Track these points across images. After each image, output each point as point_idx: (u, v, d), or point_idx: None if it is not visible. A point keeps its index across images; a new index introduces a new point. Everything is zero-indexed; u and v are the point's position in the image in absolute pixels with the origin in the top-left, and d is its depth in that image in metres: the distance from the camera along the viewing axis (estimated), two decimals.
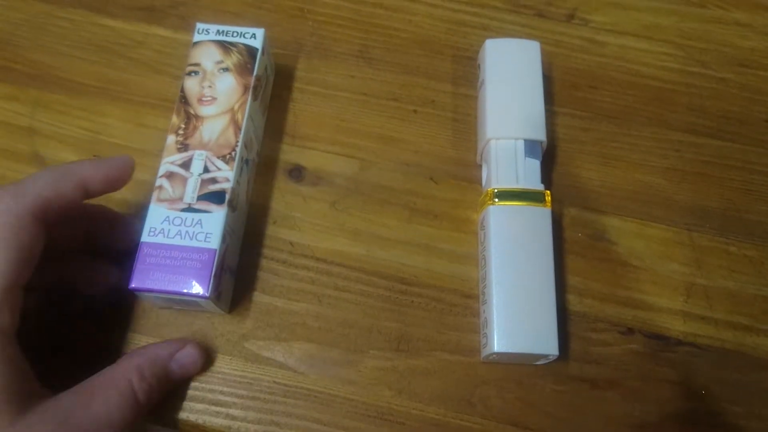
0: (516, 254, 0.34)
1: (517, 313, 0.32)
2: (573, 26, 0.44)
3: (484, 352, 0.33)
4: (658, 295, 0.36)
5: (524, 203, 0.35)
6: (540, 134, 0.36)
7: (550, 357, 0.32)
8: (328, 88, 0.41)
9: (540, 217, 0.34)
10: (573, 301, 0.36)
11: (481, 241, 0.36)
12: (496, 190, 0.35)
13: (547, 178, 0.39)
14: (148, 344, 0.33)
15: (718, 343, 0.35)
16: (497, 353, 0.32)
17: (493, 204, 0.35)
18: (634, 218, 0.38)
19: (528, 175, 0.36)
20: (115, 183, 0.31)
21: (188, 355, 0.33)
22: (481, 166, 0.39)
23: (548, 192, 0.35)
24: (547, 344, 0.32)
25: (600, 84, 0.42)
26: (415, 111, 0.41)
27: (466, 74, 0.42)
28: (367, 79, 0.41)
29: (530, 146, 0.36)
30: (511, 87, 0.38)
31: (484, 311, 0.34)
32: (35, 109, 0.40)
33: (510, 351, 0.32)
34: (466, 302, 0.36)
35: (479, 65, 0.40)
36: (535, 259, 0.34)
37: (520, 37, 0.43)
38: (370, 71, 0.42)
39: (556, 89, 0.41)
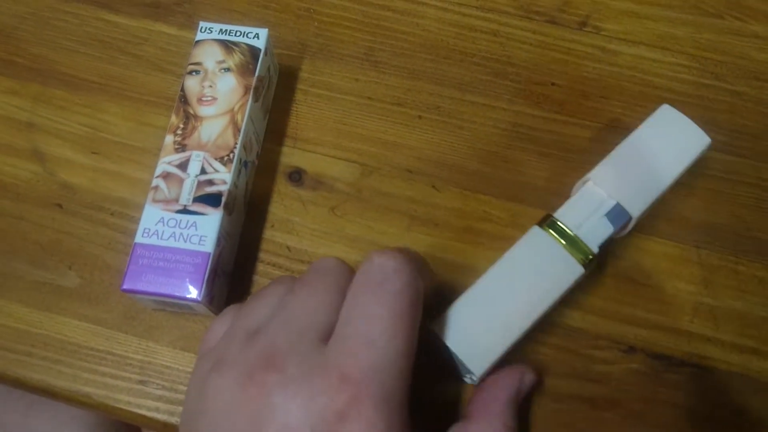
0: (521, 280, 0.32)
1: (477, 318, 0.31)
2: (585, 34, 0.43)
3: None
4: (663, 313, 0.35)
5: (568, 250, 0.32)
6: (635, 209, 0.34)
7: (474, 378, 0.30)
8: (332, 90, 0.40)
9: (570, 270, 0.32)
10: (574, 317, 0.35)
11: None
12: (554, 219, 0.33)
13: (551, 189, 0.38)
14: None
15: (723, 366, 0.34)
16: (434, 332, 0.30)
17: (540, 227, 0.33)
18: (640, 233, 0.37)
19: (593, 232, 0.33)
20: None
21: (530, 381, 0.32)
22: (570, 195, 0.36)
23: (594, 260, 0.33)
24: (478, 362, 0.30)
25: (611, 94, 0.41)
26: (419, 117, 0.40)
27: (473, 80, 0.41)
28: (372, 82, 0.41)
29: (618, 212, 0.34)
30: (651, 156, 0.35)
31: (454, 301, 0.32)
32: (36, 104, 0.40)
33: (443, 339, 0.30)
34: None
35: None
36: (535, 295, 0.31)
37: (531, 44, 0.42)
38: (375, 74, 0.41)
39: (565, 98, 0.40)
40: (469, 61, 0.42)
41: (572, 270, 0.32)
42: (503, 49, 0.42)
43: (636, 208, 0.34)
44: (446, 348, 0.30)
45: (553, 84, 0.41)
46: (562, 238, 0.33)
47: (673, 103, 0.40)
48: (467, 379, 0.32)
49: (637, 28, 0.43)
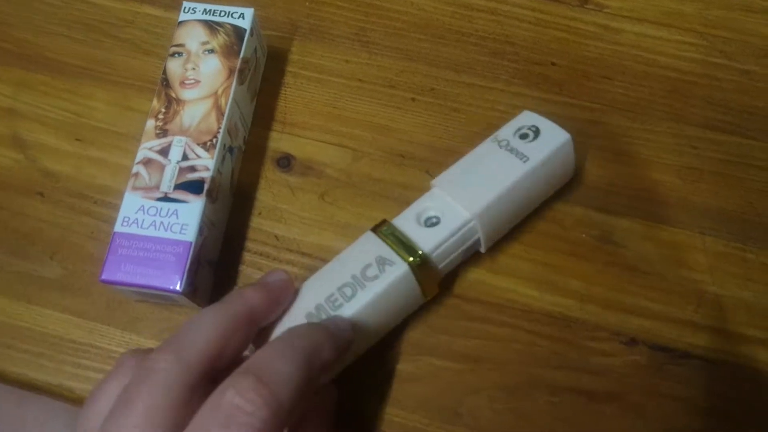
0: (378, 320, 0.30)
1: None
2: (587, 11, 0.41)
3: None
4: (666, 303, 0.34)
5: (424, 290, 0.30)
6: (486, 246, 0.32)
7: None
8: (322, 72, 0.39)
9: (416, 304, 0.31)
10: (573, 307, 0.33)
11: (368, 270, 0.30)
12: (429, 261, 0.30)
13: None
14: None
15: (729, 358, 0.33)
16: None
17: (411, 269, 0.29)
18: (644, 220, 0.35)
19: (448, 266, 0.32)
20: (279, 307, 0.28)
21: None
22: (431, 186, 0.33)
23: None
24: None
25: (613, 74, 0.39)
26: (413, 99, 0.38)
27: (469, 61, 0.39)
28: (364, 64, 0.39)
29: (474, 247, 0.32)
30: (533, 195, 0.33)
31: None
32: (18, 89, 0.39)
33: None
34: (457, 303, 0.33)
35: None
36: (379, 332, 0.30)
37: (530, 22, 0.40)
38: (367, 56, 0.39)
39: (565, 78, 0.39)
40: (465, 41, 0.40)
41: (417, 303, 0.31)
42: (501, 28, 0.40)
43: (487, 245, 0.32)
44: None
45: (553, 64, 0.39)
46: (425, 277, 0.30)
47: (679, 83, 0.39)
48: None
49: (641, 4, 0.41)
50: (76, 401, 0.33)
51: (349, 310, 0.29)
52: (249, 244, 0.35)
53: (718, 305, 0.34)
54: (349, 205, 0.36)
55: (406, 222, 0.31)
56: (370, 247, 0.30)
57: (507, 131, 0.33)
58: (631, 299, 0.34)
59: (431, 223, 0.31)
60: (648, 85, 0.39)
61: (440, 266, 0.31)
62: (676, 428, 0.31)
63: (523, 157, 0.32)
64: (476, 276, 0.34)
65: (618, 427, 0.31)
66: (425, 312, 0.33)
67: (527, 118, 0.34)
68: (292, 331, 0.26)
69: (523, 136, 0.33)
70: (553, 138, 0.32)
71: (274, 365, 0.23)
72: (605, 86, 0.39)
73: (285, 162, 0.37)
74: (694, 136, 0.37)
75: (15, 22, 0.41)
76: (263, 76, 0.39)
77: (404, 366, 0.32)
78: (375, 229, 0.31)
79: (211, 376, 0.24)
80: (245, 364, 0.23)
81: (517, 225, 0.35)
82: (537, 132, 0.33)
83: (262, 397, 0.21)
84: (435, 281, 0.31)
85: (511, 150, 0.32)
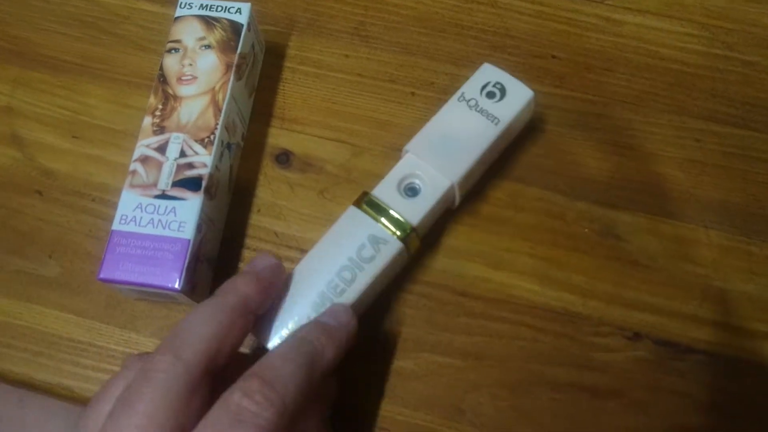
0: (371, 289, 0.30)
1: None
2: (587, 3, 0.40)
3: None
4: (670, 297, 0.33)
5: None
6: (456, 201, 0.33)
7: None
8: (321, 68, 0.39)
9: (402, 263, 0.31)
10: (575, 302, 0.33)
11: (363, 251, 0.30)
12: (416, 233, 0.31)
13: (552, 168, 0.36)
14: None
15: (733, 352, 0.32)
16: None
17: (403, 244, 0.30)
18: (646, 213, 0.35)
19: (424, 226, 0.32)
20: (272, 294, 0.28)
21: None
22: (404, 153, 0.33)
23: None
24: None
25: (615, 66, 0.39)
26: (413, 93, 0.38)
27: (469, 54, 0.39)
28: (363, 58, 0.39)
29: (451, 203, 0.33)
30: (498, 149, 0.34)
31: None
32: (15, 87, 0.38)
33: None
34: (458, 300, 0.33)
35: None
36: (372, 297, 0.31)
37: (530, 15, 0.40)
38: (367, 50, 0.39)
39: (566, 71, 0.38)
40: (465, 34, 0.39)
41: (403, 264, 0.32)
42: (501, 21, 0.40)
43: (460, 201, 0.34)
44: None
45: (553, 56, 0.39)
46: (413, 243, 0.31)
47: (681, 75, 0.38)
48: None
49: None
50: (76, 400, 0.33)
51: (352, 294, 0.29)
52: (248, 241, 0.35)
53: (722, 299, 0.33)
54: (349, 201, 0.35)
55: (387, 193, 0.31)
56: (359, 224, 0.31)
57: (472, 89, 0.34)
58: (634, 294, 0.33)
59: (413, 191, 0.32)
60: (650, 77, 0.38)
61: (423, 228, 0.32)
62: (679, 424, 0.31)
63: (494, 119, 0.33)
64: (477, 272, 0.34)
65: (621, 423, 0.31)
66: (426, 309, 0.33)
67: (489, 72, 0.34)
68: (296, 335, 0.27)
69: (490, 95, 0.33)
70: (519, 96, 0.33)
71: (279, 368, 0.24)
72: (607, 79, 0.38)
73: (284, 158, 0.36)
74: (697, 128, 0.37)
75: (11, 19, 0.40)
76: (261, 71, 0.39)
77: (406, 363, 0.32)
78: (358, 204, 0.31)
79: (211, 372, 0.24)
80: (252, 369, 0.24)
81: (517, 221, 0.35)
82: (503, 90, 0.33)
83: (268, 399, 0.22)
84: (418, 241, 0.32)
85: (481, 111, 0.33)
